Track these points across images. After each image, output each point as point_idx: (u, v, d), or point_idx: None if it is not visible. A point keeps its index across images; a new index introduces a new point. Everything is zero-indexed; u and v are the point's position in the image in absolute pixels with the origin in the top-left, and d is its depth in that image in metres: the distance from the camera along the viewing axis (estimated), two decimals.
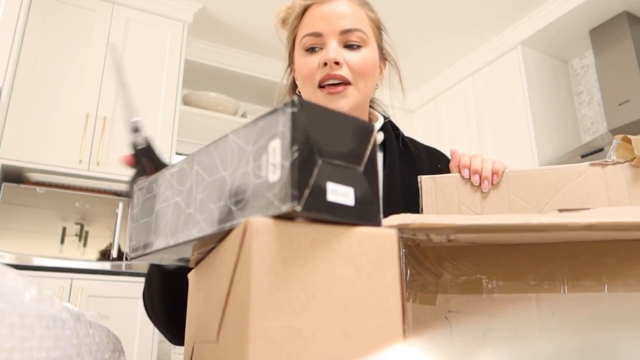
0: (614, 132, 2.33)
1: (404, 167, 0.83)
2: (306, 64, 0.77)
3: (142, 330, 2.09)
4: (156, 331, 2.16)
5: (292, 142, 0.26)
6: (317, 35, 0.76)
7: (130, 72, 2.40)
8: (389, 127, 0.88)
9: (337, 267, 0.27)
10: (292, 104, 0.27)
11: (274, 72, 2.94)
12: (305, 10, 0.79)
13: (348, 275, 0.27)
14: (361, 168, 0.29)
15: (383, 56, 0.85)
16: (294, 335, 0.25)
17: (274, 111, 0.28)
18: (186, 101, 2.84)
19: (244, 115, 2.99)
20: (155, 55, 2.49)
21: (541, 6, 2.61)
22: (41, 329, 0.29)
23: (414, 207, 0.64)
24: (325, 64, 0.74)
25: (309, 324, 0.26)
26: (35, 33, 2.23)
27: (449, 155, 0.91)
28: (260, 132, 0.29)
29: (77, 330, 0.32)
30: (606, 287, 0.38)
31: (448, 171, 0.88)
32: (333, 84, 0.74)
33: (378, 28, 0.83)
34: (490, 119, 2.91)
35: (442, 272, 0.41)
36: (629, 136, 0.54)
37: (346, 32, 0.76)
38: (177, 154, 2.53)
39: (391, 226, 0.36)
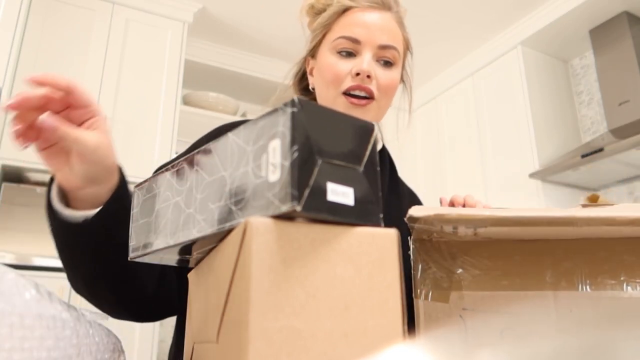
0: (614, 132, 2.33)
1: (390, 195, 0.83)
2: (334, 66, 0.75)
3: (142, 330, 2.09)
4: (156, 331, 2.16)
5: (292, 142, 0.26)
6: (355, 41, 0.75)
7: (130, 72, 2.40)
8: (386, 157, 0.89)
9: (337, 267, 0.27)
10: (292, 103, 0.27)
11: (274, 72, 2.94)
12: (345, 10, 0.78)
13: (348, 275, 0.27)
14: (361, 168, 0.29)
15: (402, 76, 0.85)
16: (294, 335, 0.25)
17: (274, 111, 0.28)
18: (186, 101, 2.84)
19: (244, 115, 2.99)
20: (155, 55, 2.49)
21: (541, 6, 2.61)
22: (41, 329, 0.29)
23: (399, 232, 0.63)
24: (358, 74, 0.73)
25: (309, 324, 0.26)
26: (35, 33, 2.23)
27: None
28: (260, 132, 0.29)
29: (77, 330, 0.32)
30: (624, 285, 0.38)
31: None
32: (359, 96, 0.74)
33: (407, 50, 0.83)
34: (490, 119, 2.91)
35: (456, 268, 0.40)
36: (596, 194, 0.55)
37: (384, 47, 0.75)
38: (177, 154, 2.53)
39: (427, 216, 0.36)
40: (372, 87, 0.74)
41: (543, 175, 2.48)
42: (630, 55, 2.37)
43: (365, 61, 0.74)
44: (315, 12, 0.83)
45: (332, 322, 0.26)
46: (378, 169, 0.30)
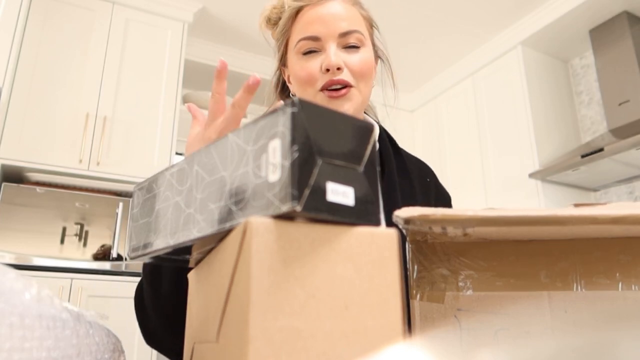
0: (614, 132, 2.33)
1: (402, 179, 0.82)
2: (304, 67, 0.75)
3: None
4: None
5: (292, 142, 0.26)
6: (315, 39, 0.75)
7: (130, 72, 2.40)
8: (384, 136, 0.87)
9: (337, 267, 0.27)
10: (292, 104, 0.27)
11: None
12: (297, 11, 0.78)
13: (348, 275, 0.27)
14: (361, 168, 0.29)
15: (376, 54, 0.84)
16: (294, 335, 0.25)
17: (274, 111, 0.28)
18: (186, 101, 2.84)
19: (244, 115, 2.99)
20: (155, 55, 2.49)
21: (541, 6, 2.61)
22: (41, 329, 0.29)
23: None
24: (328, 70, 0.73)
25: (309, 324, 0.26)
26: (35, 33, 2.23)
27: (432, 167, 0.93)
28: (260, 132, 0.29)
29: (77, 330, 0.32)
30: (620, 285, 0.38)
31: (435, 185, 0.90)
32: (335, 88, 0.74)
33: (371, 26, 0.82)
34: (490, 119, 2.91)
35: (451, 268, 0.40)
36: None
37: (345, 34, 0.75)
38: (177, 154, 2.53)
39: (411, 217, 0.36)
40: (345, 77, 0.74)
41: (543, 175, 2.48)
42: (630, 55, 2.37)
43: (332, 54, 0.73)
44: (272, 23, 0.84)
45: (332, 322, 0.26)
46: (378, 168, 0.30)
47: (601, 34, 2.54)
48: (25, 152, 2.08)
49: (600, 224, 0.34)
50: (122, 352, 0.40)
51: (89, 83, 2.29)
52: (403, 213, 0.36)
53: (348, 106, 0.74)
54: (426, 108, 3.45)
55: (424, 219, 0.36)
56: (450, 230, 0.38)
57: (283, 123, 0.27)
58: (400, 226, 0.38)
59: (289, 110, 0.27)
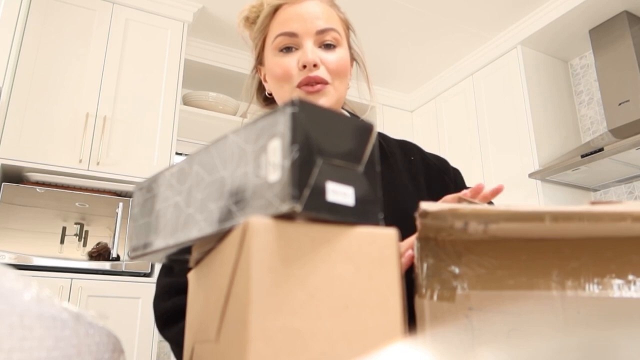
0: (614, 132, 2.33)
1: (382, 167, 0.83)
2: (281, 64, 0.76)
3: (142, 330, 2.09)
4: (156, 331, 2.16)
5: (292, 142, 0.26)
6: (293, 35, 0.76)
7: (130, 72, 2.40)
8: None
9: (337, 266, 0.27)
10: (292, 103, 0.27)
11: None
12: (276, 9, 0.79)
13: (348, 275, 0.27)
14: (361, 168, 0.29)
15: (352, 56, 0.86)
16: (294, 335, 0.25)
17: (273, 111, 0.28)
18: (186, 101, 2.84)
19: (243, 116, 2.99)
20: (155, 55, 2.49)
21: (541, 6, 2.61)
22: (41, 329, 0.29)
23: (393, 207, 0.63)
24: (304, 66, 0.74)
25: (309, 323, 0.26)
26: (35, 33, 2.23)
27: (419, 145, 0.93)
28: (260, 132, 0.29)
29: (77, 330, 0.32)
30: (632, 285, 0.38)
31: (422, 160, 0.89)
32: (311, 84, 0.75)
33: (347, 28, 0.84)
34: (490, 119, 2.91)
35: (462, 266, 0.40)
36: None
37: (322, 32, 0.76)
38: (177, 154, 2.53)
39: (441, 210, 0.35)
40: (321, 74, 0.75)
41: (543, 175, 2.48)
42: (630, 55, 2.37)
43: (309, 51, 0.75)
44: (251, 22, 0.84)
45: (332, 322, 0.26)
46: (378, 169, 0.30)
47: (601, 34, 2.54)
48: (25, 152, 2.08)
49: (636, 221, 0.34)
50: (122, 352, 0.40)
51: (89, 83, 2.29)
52: (430, 207, 0.36)
53: (323, 101, 0.75)
54: (426, 108, 3.45)
55: (453, 213, 0.35)
56: (473, 225, 0.37)
57: (283, 123, 0.27)
58: (417, 220, 0.37)
59: (289, 110, 0.27)
